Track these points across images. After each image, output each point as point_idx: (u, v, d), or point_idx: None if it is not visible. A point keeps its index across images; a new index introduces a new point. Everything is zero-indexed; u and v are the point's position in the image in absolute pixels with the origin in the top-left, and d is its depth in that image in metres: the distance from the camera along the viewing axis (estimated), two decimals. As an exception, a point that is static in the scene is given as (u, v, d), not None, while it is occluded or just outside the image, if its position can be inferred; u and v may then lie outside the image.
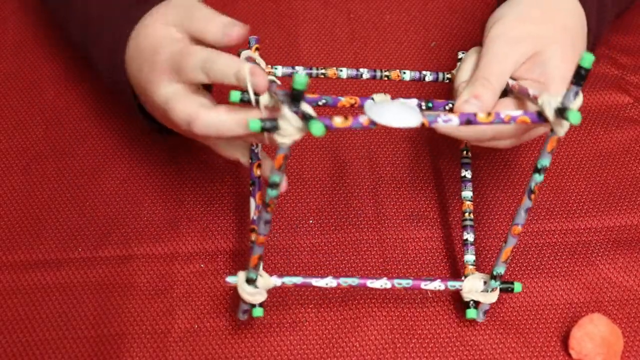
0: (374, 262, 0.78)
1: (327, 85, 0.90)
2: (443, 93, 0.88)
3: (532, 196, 0.63)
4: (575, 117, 0.57)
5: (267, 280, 0.68)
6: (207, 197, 0.82)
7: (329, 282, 0.70)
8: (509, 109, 0.67)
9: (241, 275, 0.67)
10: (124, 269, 0.77)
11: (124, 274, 0.77)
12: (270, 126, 0.56)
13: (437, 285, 0.71)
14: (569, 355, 0.72)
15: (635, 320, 0.75)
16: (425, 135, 0.86)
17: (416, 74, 0.75)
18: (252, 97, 0.62)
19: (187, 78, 0.65)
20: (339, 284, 0.70)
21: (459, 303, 0.75)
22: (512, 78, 0.69)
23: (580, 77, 0.58)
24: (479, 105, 0.66)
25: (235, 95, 0.64)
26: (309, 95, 0.65)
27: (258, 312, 0.70)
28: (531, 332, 0.74)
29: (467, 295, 0.71)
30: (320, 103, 0.67)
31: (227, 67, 0.63)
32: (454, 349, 0.73)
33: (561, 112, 0.58)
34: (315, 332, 0.73)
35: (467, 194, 0.78)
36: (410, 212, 0.80)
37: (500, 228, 0.80)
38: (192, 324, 0.74)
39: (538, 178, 0.62)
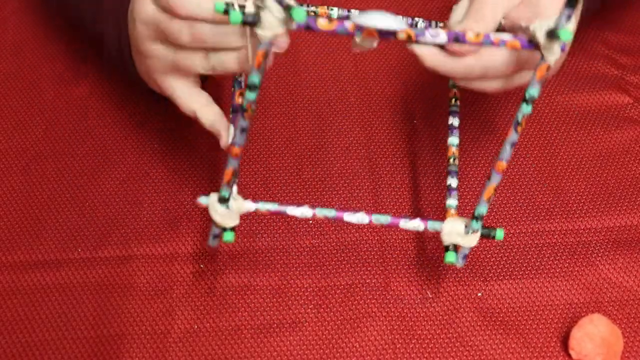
0: (374, 262, 0.78)
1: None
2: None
3: (519, 128, 0.61)
4: (566, 35, 0.55)
5: (240, 203, 0.66)
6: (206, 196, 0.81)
7: (304, 211, 0.67)
8: (501, 49, 0.64)
9: (213, 196, 0.65)
10: (124, 269, 0.77)
11: (124, 274, 0.77)
12: (252, 19, 0.54)
13: (416, 224, 0.68)
14: (569, 355, 0.72)
15: (635, 320, 0.75)
16: (426, 128, 0.86)
17: (408, 20, 0.73)
18: None
19: None
20: (314, 215, 0.67)
21: (458, 303, 0.75)
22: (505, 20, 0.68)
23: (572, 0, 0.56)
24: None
25: (219, 7, 0.59)
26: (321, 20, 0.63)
27: (229, 236, 0.67)
28: (531, 333, 0.74)
29: (446, 238, 0.68)
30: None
31: None
32: (454, 350, 0.73)
33: (552, 33, 0.56)
34: (315, 332, 0.73)
35: (454, 140, 0.77)
36: (410, 212, 0.81)
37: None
38: (192, 324, 0.74)
39: (526, 109, 0.60)
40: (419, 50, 0.65)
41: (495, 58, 0.66)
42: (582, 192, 0.82)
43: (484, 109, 0.88)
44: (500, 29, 0.68)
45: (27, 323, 0.74)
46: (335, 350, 0.73)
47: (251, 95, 0.58)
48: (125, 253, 0.78)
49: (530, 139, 0.86)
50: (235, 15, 0.54)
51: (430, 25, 0.65)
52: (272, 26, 0.55)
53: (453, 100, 0.79)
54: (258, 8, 0.55)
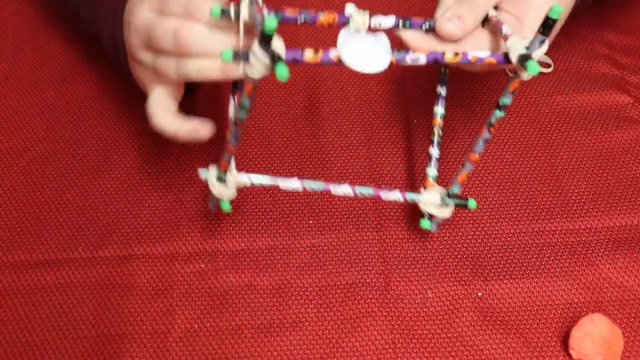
0: (374, 262, 0.78)
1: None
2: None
3: (492, 129, 0.65)
4: (533, 68, 0.59)
5: (237, 178, 0.69)
6: (206, 197, 0.82)
7: (294, 185, 0.71)
8: (483, 42, 0.67)
9: (212, 170, 0.69)
10: (124, 269, 0.77)
11: (124, 274, 0.77)
12: (241, 58, 0.57)
13: (396, 196, 0.72)
14: (569, 355, 0.72)
15: (636, 320, 0.75)
16: (426, 128, 0.86)
17: (399, 21, 0.72)
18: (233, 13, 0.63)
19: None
20: (304, 188, 0.71)
21: (458, 302, 0.75)
22: (496, 8, 0.69)
23: (546, 26, 0.59)
24: (460, 26, 0.66)
25: (216, 11, 0.63)
26: (288, 12, 0.64)
27: (226, 205, 0.71)
28: (531, 332, 0.74)
29: (423, 208, 0.73)
30: (299, 22, 0.65)
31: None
32: (454, 349, 0.73)
33: (523, 59, 0.60)
34: (315, 332, 0.73)
35: (439, 110, 0.78)
36: (410, 213, 0.81)
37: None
38: (192, 324, 0.74)
39: (498, 114, 0.64)
40: (405, 35, 0.66)
41: (479, 44, 0.67)
42: (583, 192, 0.82)
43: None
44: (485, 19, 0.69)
45: (28, 322, 0.74)
46: (335, 349, 0.73)
47: (242, 114, 0.62)
48: (126, 253, 0.78)
49: (530, 139, 0.86)
50: (227, 52, 0.58)
51: (424, 24, 0.66)
52: (258, 70, 0.58)
53: (443, 69, 0.80)
54: (246, 52, 0.57)
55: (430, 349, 0.73)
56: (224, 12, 0.62)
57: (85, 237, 0.79)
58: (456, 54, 0.62)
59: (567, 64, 0.92)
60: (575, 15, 0.75)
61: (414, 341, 0.73)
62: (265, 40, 0.56)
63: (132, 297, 0.75)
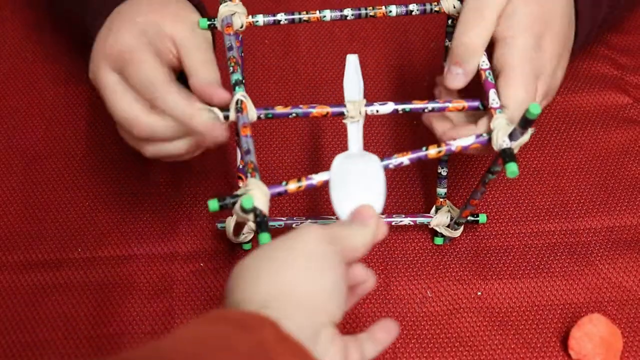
0: (374, 261, 0.78)
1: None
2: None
3: (486, 186, 0.69)
4: (511, 173, 0.60)
5: (252, 226, 0.73)
6: (206, 197, 0.82)
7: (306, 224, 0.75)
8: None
9: (229, 221, 0.73)
10: (124, 269, 0.77)
11: (124, 274, 0.77)
12: (228, 205, 0.58)
13: (407, 221, 0.77)
14: (568, 355, 0.72)
15: (635, 320, 0.75)
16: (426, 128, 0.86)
17: (402, 9, 0.72)
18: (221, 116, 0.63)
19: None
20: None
21: (458, 302, 0.75)
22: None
23: (525, 123, 0.60)
24: (461, 73, 0.66)
25: (214, 206, 0.61)
26: (280, 110, 0.64)
27: (247, 246, 0.77)
28: (530, 332, 0.74)
29: (436, 229, 0.78)
30: (291, 116, 0.65)
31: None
32: (454, 349, 0.73)
33: (504, 154, 0.62)
34: (315, 332, 0.74)
35: None
36: (411, 211, 0.81)
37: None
38: (191, 324, 0.74)
39: (491, 176, 0.67)
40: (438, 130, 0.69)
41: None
42: (582, 192, 0.83)
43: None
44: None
45: (28, 322, 0.74)
46: (335, 349, 0.73)
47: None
48: (125, 253, 0.78)
49: (530, 140, 0.86)
50: (213, 203, 0.58)
51: (425, 107, 0.66)
52: (242, 219, 0.59)
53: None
54: (236, 199, 0.58)
55: (429, 348, 0.73)
56: (222, 207, 0.60)
57: (84, 237, 0.79)
58: (439, 150, 0.63)
59: (568, 65, 0.92)
60: (583, 48, 0.76)
61: (413, 341, 0.73)
62: (248, 211, 0.57)
63: (131, 297, 0.75)
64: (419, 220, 0.77)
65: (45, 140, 0.86)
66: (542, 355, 0.73)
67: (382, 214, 0.76)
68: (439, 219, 0.77)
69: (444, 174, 0.78)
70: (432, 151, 0.63)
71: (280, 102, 0.88)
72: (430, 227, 0.78)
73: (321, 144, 0.86)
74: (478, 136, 0.64)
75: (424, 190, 0.83)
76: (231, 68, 0.65)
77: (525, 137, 0.62)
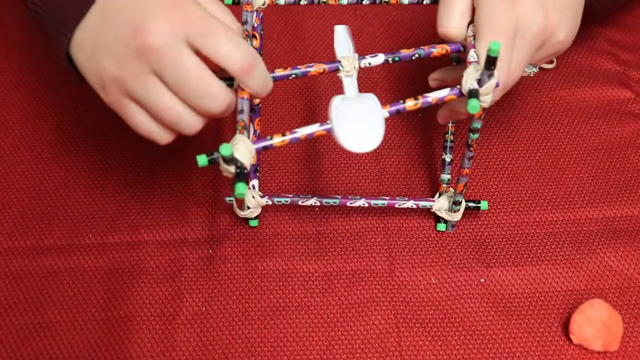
0: (378, 248, 0.79)
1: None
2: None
3: (471, 148, 0.71)
4: (473, 107, 0.63)
5: (259, 201, 0.77)
6: (215, 183, 0.83)
7: (313, 201, 0.78)
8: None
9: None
10: (134, 255, 0.78)
11: (133, 259, 0.78)
12: (216, 160, 0.62)
13: (410, 204, 0.78)
14: (570, 340, 0.73)
15: (636, 307, 0.75)
16: (430, 123, 0.88)
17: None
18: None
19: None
20: (322, 203, 0.78)
21: (461, 288, 0.76)
22: None
23: (490, 62, 0.63)
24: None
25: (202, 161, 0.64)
26: (279, 72, 0.68)
27: (254, 223, 0.79)
28: (533, 318, 0.75)
29: (437, 213, 0.79)
30: (290, 77, 0.69)
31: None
32: (457, 334, 0.74)
33: (471, 94, 0.64)
34: (321, 315, 0.75)
35: None
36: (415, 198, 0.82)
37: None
38: (199, 307, 0.75)
39: (473, 136, 0.70)
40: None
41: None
42: (584, 184, 0.84)
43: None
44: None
45: (40, 306, 0.75)
46: (340, 333, 0.74)
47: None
48: (135, 239, 0.79)
49: (533, 132, 0.87)
50: (202, 159, 0.62)
51: (413, 55, 0.70)
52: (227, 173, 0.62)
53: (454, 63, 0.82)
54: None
55: (433, 334, 0.74)
56: (210, 162, 0.63)
57: (95, 224, 0.80)
58: (417, 101, 0.66)
59: (570, 60, 0.93)
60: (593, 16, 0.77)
61: (417, 326, 0.74)
62: (228, 161, 0.61)
63: (140, 281, 0.77)
64: (422, 204, 0.78)
65: (58, 131, 0.87)
66: (543, 341, 0.74)
67: (386, 196, 0.78)
68: (441, 203, 0.78)
69: (448, 160, 0.80)
70: (410, 103, 0.66)
71: (286, 97, 0.90)
72: (432, 211, 0.79)
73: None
74: (452, 89, 0.66)
75: (429, 178, 0.84)
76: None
77: (493, 82, 0.64)
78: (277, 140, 0.64)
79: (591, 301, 0.73)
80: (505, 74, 0.67)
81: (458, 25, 0.70)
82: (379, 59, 0.69)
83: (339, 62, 0.68)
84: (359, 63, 0.68)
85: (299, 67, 0.68)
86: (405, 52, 0.70)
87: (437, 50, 0.70)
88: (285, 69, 0.68)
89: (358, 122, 0.64)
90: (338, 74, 0.68)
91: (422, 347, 0.73)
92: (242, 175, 0.60)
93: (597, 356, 0.73)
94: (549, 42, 0.71)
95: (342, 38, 0.70)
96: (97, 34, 0.65)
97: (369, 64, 0.69)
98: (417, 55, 0.70)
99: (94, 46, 0.65)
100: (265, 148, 0.63)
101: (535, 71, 0.74)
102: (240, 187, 0.60)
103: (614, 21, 0.96)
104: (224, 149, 0.59)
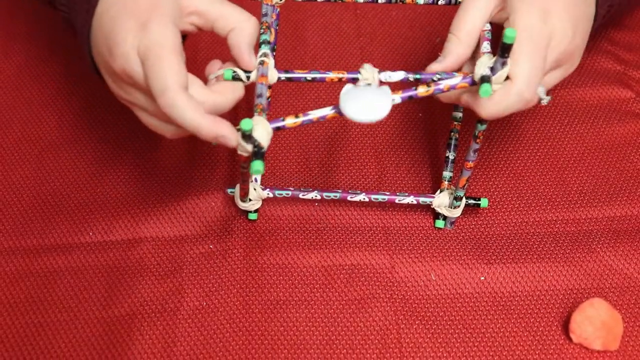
0: (379, 245, 0.79)
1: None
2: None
3: (478, 140, 0.71)
4: (484, 92, 0.63)
5: (260, 193, 0.78)
6: (215, 180, 0.83)
7: (314, 195, 0.79)
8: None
9: (237, 189, 0.78)
10: (134, 252, 0.78)
11: (134, 257, 0.78)
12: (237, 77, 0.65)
13: (410, 200, 0.79)
14: (570, 339, 0.73)
15: (635, 306, 0.76)
16: (432, 119, 0.88)
17: None
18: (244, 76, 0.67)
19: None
20: (322, 197, 0.79)
21: (461, 286, 0.77)
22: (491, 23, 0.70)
23: (504, 49, 0.62)
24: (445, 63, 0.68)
25: (228, 74, 0.67)
26: (299, 73, 0.68)
27: (253, 216, 0.80)
28: (532, 317, 0.75)
29: (437, 209, 0.79)
30: (308, 78, 0.69)
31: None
32: (456, 332, 0.74)
33: (482, 80, 0.64)
34: (321, 310, 0.75)
35: (457, 114, 0.82)
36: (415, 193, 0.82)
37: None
38: (200, 302, 0.75)
39: (480, 127, 0.69)
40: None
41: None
42: (584, 183, 0.84)
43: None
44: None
45: (41, 304, 0.75)
46: (340, 328, 0.74)
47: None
48: (136, 236, 0.79)
49: (534, 132, 0.88)
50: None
51: (433, 76, 0.68)
52: (247, 152, 0.63)
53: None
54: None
55: (432, 330, 0.74)
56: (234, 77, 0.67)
57: (95, 222, 0.80)
58: (428, 87, 0.66)
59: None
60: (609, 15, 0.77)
61: (417, 323, 0.74)
62: (247, 137, 0.62)
63: (142, 279, 0.77)
64: (422, 199, 0.78)
65: (58, 129, 0.87)
66: (543, 339, 0.74)
67: (386, 192, 0.79)
68: (441, 200, 0.78)
69: (452, 157, 0.81)
70: (422, 89, 0.66)
71: (288, 97, 0.90)
72: (432, 207, 0.79)
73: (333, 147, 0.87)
74: (465, 76, 0.66)
75: (430, 176, 0.84)
76: (262, 30, 0.69)
77: (505, 69, 0.63)
78: (289, 121, 0.65)
79: (591, 300, 0.73)
80: (538, 80, 0.65)
81: (461, 38, 0.68)
82: (398, 75, 0.68)
83: (359, 72, 0.67)
84: (380, 76, 0.67)
85: (318, 70, 0.68)
86: (426, 75, 0.68)
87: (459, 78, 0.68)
88: (304, 70, 0.69)
89: (365, 96, 0.65)
90: (357, 84, 0.67)
91: (422, 343, 0.73)
92: (260, 154, 0.62)
93: (597, 355, 0.73)
94: (564, 65, 0.69)
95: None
96: (94, 44, 0.68)
97: (389, 77, 0.67)
98: (437, 77, 0.68)
99: (94, 53, 0.69)
100: (278, 128, 0.65)
101: (550, 99, 0.69)
102: (257, 164, 0.61)
103: (614, 21, 0.96)
104: (245, 124, 0.60)
